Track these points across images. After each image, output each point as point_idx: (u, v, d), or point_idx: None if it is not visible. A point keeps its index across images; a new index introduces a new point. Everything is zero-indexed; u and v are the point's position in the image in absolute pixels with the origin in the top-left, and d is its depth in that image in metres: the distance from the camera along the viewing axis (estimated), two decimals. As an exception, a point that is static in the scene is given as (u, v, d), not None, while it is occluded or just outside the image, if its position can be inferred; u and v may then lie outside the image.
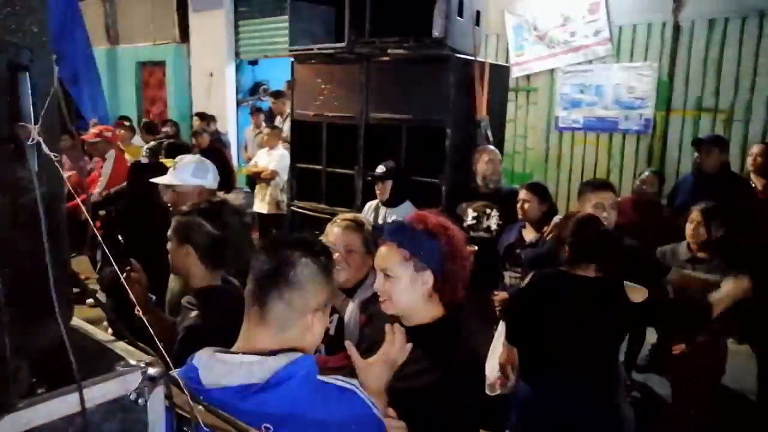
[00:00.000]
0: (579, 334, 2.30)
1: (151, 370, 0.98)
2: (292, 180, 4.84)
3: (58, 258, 1.10)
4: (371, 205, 3.97)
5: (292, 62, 4.64)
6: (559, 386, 2.32)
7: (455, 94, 3.93)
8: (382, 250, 1.61)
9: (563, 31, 6.05)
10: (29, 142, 0.97)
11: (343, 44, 4.22)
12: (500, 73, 4.54)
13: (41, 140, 1.01)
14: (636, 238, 3.02)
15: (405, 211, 3.55)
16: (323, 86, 4.50)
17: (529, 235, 3.35)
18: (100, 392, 0.92)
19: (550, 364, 2.37)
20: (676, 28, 5.39)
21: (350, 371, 1.41)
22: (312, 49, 4.48)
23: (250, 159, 6.66)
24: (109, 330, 1.43)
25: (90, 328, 1.19)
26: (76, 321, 1.20)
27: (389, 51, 4.15)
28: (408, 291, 1.57)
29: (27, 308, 0.92)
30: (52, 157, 1.09)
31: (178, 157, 2.52)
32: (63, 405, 0.89)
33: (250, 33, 8.72)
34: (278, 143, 5.99)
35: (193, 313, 1.81)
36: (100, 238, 1.17)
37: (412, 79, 4.07)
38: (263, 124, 7.08)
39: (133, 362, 1.00)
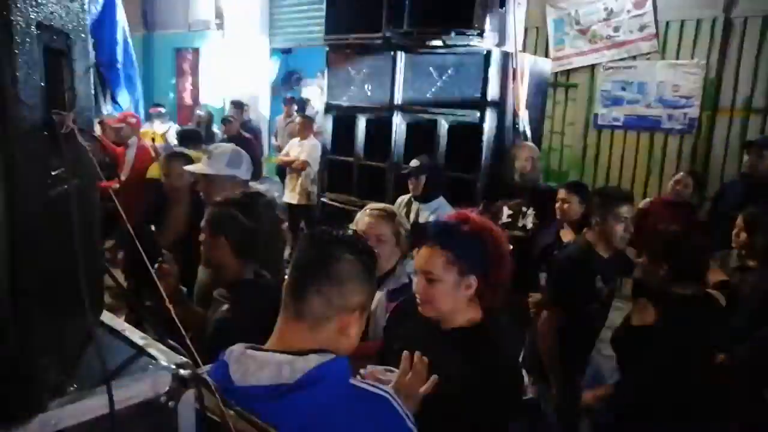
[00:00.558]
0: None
1: (183, 372, 0.94)
2: (324, 171, 4.80)
3: (90, 251, 1.07)
4: (403, 199, 3.90)
5: (327, 52, 4.59)
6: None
7: (493, 87, 3.83)
8: (425, 252, 1.55)
9: (606, 25, 5.87)
10: (63, 131, 0.94)
11: (379, 34, 4.15)
12: (540, 67, 4.42)
13: (76, 129, 0.97)
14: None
15: (438, 207, 3.48)
16: (357, 76, 4.44)
17: (567, 236, 3.25)
18: (130, 393, 0.89)
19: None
20: (727, 25, 5.17)
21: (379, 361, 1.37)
22: (347, 39, 4.42)
23: (280, 148, 6.66)
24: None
25: (120, 324, 1.16)
26: (106, 316, 1.17)
27: (426, 42, 4.06)
28: (450, 295, 1.52)
29: (57, 304, 0.89)
30: (87, 146, 1.05)
31: (213, 146, 2.50)
32: (92, 406, 0.86)
33: (285, 21, 8.70)
34: (310, 133, 5.96)
35: (225, 306, 1.78)
36: (131, 230, 1.14)
37: (449, 72, 3.98)
38: (295, 113, 7.06)
39: (164, 363, 0.97)
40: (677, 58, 5.47)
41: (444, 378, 1.40)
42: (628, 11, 5.69)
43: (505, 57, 3.91)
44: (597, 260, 2.79)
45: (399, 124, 4.21)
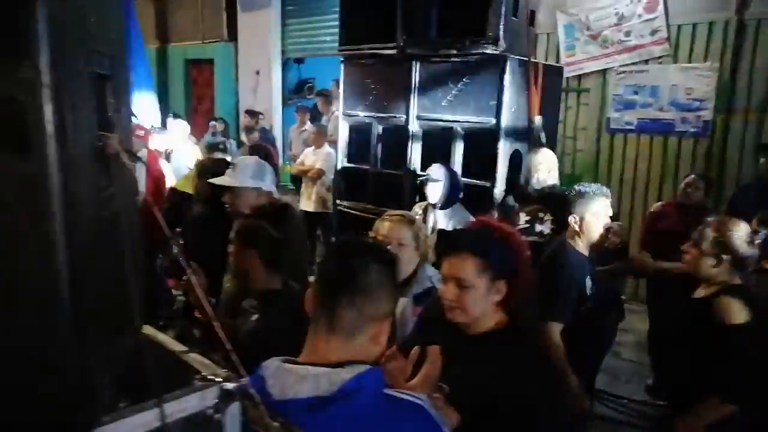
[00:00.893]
0: None
1: (228, 385, 0.97)
2: (340, 180, 4.84)
3: (134, 269, 1.10)
4: (420, 206, 3.92)
5: (342, 62, 4.63)
6: None
7: (509, 95, 3.85)
8: (457, 258, 1.58)
9: (617, 30, 5.87)
10: (110, 152, 0.97)
11: (394, 44, 4.18)
12: (554, 74, 4.43)
13: (121, 150, 1.01)
14: (677, 244, 2.87)
15: (456, 214, 3.50)
16: (373, 86, 4.48)
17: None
18: (179, 407, 0.91)
19: None
20: (740, 27, 5.16)
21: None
22: (362, 50, 4.46)
23: (294, 157, 6.71)
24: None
25: (162, 337, 1.19)
26: (147, 330, 1.20)
27: (441, 51, 4.09)
28: (482, 301, 1.56)
29: (107, 321, 0.92)
30: (130, 166, 1.09)
31: (238, 158, 2.53)
32: (144, 420, 0.88)
33: (298, 32, 8.78)
34: (324, 142, 6.01)
35: (255, 316, 1.81)
36: (177, 249, 1.17)
37: (464, 80, 4.01)
38: (308, 122, 7.11)
39: (209, 375, 0.99)
40: (690, 61, 5.46)
41: (479, 383, 1.42)
42: (639, 16, 5.69)
43: (520, 64, 3.93)
44: (580, 259, 2.77)
45: (415, 132, 4.24)
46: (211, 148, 5.48)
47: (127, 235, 0.99)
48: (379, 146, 4.50)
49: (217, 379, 0.97)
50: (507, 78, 3.82)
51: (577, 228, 2.79)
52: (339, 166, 4.86)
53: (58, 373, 0.77)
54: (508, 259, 1.57)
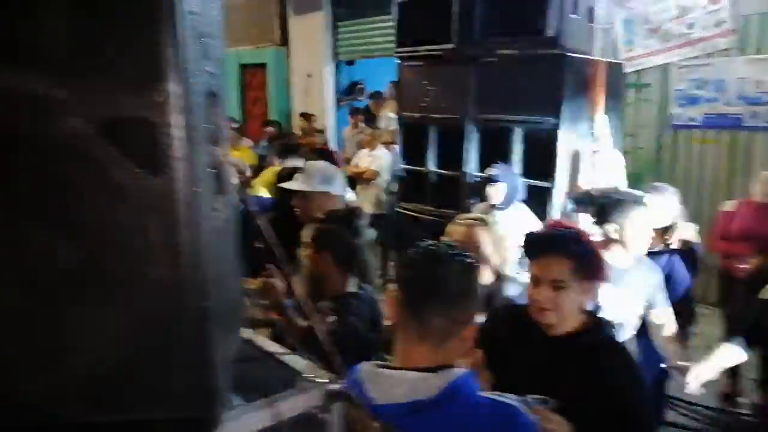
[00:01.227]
0: None
1: (332, 386, 1.01)
2: (398, 181, 4.88)
3: (239, 273, 1.16)
4: (480, 207, 3.91)
5: (398, 64, 4.67)
6: None
7: (569, 94, 3.80)
8: (551, 260, 1.60)
9: (679, 23, 5.68)
10: (219, 165, 1.02)
11: (451, 45, 4.19)
12: (615, 70, 4.35)
13: (227, 162, 1.07)
14: (755, 244, 2.76)
15: (517, 215, 3.48)
16: (429, 87, 4.50)
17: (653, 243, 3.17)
18: (289, 406, 0.96)
19: None
20: (813, 16, 4.92)
21: None
22: (418, 51, 4.49)
23: (348, 159, 6.79)
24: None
25: (260, 340, 1.24)
26: (246, 333, 1.25)
27: (498, 51, 4.07)
28: (575, 301, 1.60)
29: (224, 324, 0.97)
30: (234, 180, 1.15)
31: (308, 163, 2.59)
32: (257, 419, 0.93)
33: (349, 34, 8.86)
34: (378, 144, 6.05)
35: (331, 318, 1.86)
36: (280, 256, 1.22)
37: (523, 79, 3.97)
38: (362, 124, 7.18)
39: (313, 377, 1.04)
40: (758, 52, 5.24)
41: (569, 384, 1.44)
42: (703, 7, 5.49)
43: (579, 62, 3.87)
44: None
45: (472, 132, 4.23)
46: (284, 150, 5.46)
47: (234, 242, 1.04)
48: (436, 147, 4.51)
49: (321, 381, 1.01)
50: (566, 77, 3.77)
51: (617, 237, 2.53)
52: (396, 168, 4.90)
53: (187, 372, 0.83)
54: (593, 260, 1.62)
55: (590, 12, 4.13)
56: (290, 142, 5.46)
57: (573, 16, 3.89)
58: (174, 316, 0.81)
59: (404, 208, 4.76)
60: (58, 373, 0.76)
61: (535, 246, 1.67)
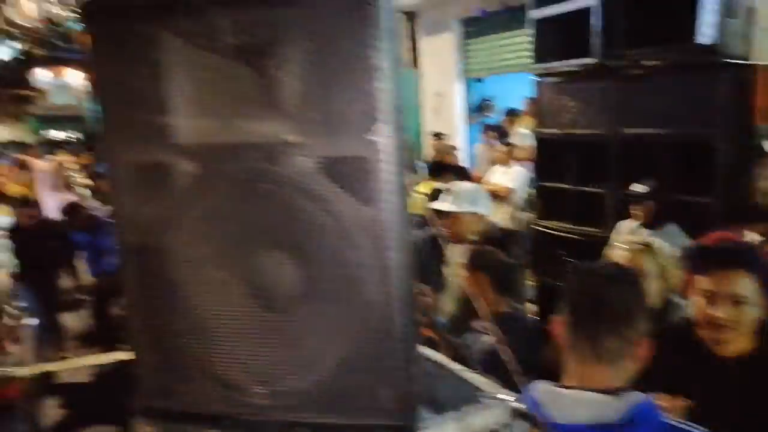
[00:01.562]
0: None
1: (516, 404, 1.05)
2: (536, 198, 4.81)
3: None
4: (626, 226, 3.75)
5: (536, 80, 4.63)
6: None
7: (727, 103, 3.55)
8: (730, 274, 1.53)
9: None
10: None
11: (592, 60, 4.09)
12: (780, 75, 3.97)
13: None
14: None
15: (672, 235, 3.29)
16: (568, 102, 4.41)
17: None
18: (478, 422, 1.02)
19: None
20: None
21: None
22: (555, 66, 4.42)
23: (480, 177, 6.80)
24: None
25: (432, 354, 1.31)
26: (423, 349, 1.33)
27: (643, 62, 3.90)
28: (755, 318, 1.52)
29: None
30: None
31: (455, 185, 2.67)
32: (449, 431, 1.00)
33: (478, 51, 8.91)
34: (512, 160, 6.01)
35: (486, 337, 1.90)
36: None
37: (670, 90, 3.77)
38: (495, 141, 7.16)
39: (495, 393, 1.09)
40: None
41: (750, 408, 1.37)
42: None
43: (740, 69, 3.60)
44: None
45: (616, 147, 4.08)
46: (434, 169, 5.60)
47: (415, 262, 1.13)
48: (576, 163, 4.40)
49: (505, 398, 1.05)
50: (723, 85, 3.53)
51: None
52: (533, 185, 4.84)
53: (394, 382, 0.92)
54: None
55: (750, 13, 3.83)
56: (442, 161, 5.59)
57: (728, 20, 3.63)
58: (384, 331, 0.90)
59: (541, 226, 4.68)
60: (302, 381, 0.88)
61: (710, 259, 1.59)
